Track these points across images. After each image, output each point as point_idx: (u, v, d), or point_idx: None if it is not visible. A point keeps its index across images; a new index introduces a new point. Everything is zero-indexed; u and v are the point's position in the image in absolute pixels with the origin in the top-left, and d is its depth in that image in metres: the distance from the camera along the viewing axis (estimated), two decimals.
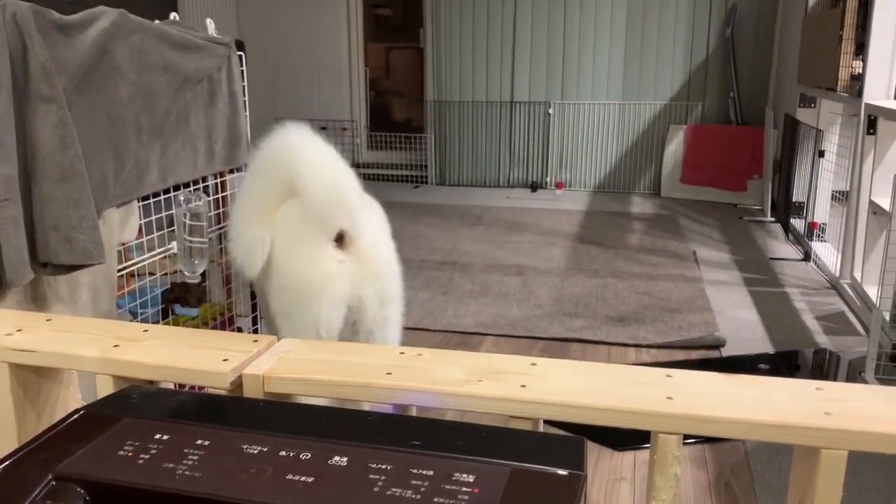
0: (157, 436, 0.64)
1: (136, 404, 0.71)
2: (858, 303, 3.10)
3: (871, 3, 3.18)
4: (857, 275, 3.21)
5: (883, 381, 2.39)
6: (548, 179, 5.95)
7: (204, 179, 2.15)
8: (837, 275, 3.43)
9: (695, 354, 2.74)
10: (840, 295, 3.33)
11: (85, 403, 0.73)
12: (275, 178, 1.59)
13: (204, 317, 2.25)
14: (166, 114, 1.81)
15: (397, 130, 6.36)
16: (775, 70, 5.31)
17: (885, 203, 2.97)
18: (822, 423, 0.70)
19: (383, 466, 0.59)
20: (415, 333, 2.94)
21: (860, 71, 3.30)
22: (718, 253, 4.06)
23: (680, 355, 2.73)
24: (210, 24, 2.09)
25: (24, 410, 0.87)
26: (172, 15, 2.03)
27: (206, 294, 2.29)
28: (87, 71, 1.52)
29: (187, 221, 1.91)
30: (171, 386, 0.87)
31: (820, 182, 3.96)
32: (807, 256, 3.92)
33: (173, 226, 1.95)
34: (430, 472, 0.58)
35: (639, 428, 0.74)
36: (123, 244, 1.80)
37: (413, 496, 0.55)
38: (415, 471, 0.58)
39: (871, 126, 3.15)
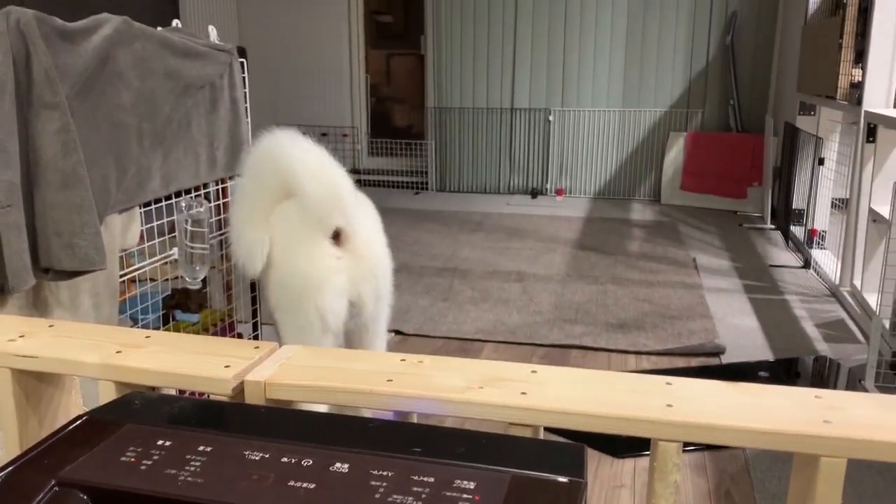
0: (160, 442, 0.64)
1: (139, 410, 0.71)
2: (858, 310, 3.10)
3: (870, 11, 3.20)
4: (857, 282, 3.22)
5: (883, 389, 2.39)
6: (548, 186, 5.96)
7: (205, 185, 2.15)
8: (837, 282, 3.43)
9: (695, 361, 2.74)
10: (840, 302, 3.33)
11: (87, 409, 0.73)
12: (270, 181, 1.64)
13: (204, 323, 2.25)
14: (168, 120, 1.81)
15: (398, 137, 6.37)
16: (775, 78, 5.33)
17: (884, 211, 2.97)
18: (822, 431, 0.70)
19: (384, 473, 0.59)
20: (415, 340, 2.94)
21: (860, 79, 3.31)
22: (718, 260, 4.06)
23: (680, 362, 2.73)
24: (212, 31, 2.10)
25: (27, 416, 0.88)
26: (175, 22, 2.04)
27: (206, 300, 2.29)
28: (90, 77, 1.53)
29: (188, 227, 1.92)
30: (173, 392, 0.87)
31: (820, 189, 3.96)
32: (807, 264, 3.92)
33: (174, 232, 1.95)
34: (431, 479, 0.58)
35: (638, 435, 0.74)
36: (124, 250, 1.80)
37: (414, 503, 0.55)
38: (416, 478, 0.59)
39: (871, 134, 3.16)
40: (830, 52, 3.65)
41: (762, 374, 2.62)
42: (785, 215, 4.41)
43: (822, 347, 2.83)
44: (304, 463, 0.61)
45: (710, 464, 2.03)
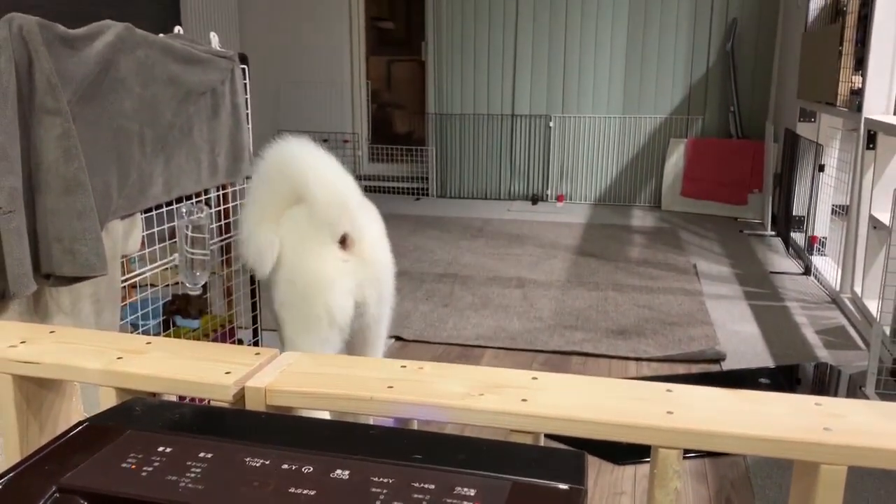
0: (160, 448, 0.64)
1: (139, 416, 0.71)
2: (859, 317, 3.10)
3: (870, 18, 3.20)
4: (858, 289, 3.22)
5: (883, 396, 2.39)
6: (548, 192, 5.97)
7: (206, 191, 2.16)
8: (838, 289, 3.43)
9: (695, 368, 2.74)
10: (840, 309, 3.33)
11: (87, 415, 0.73)
12: (281, 186, 1.72)
13: (205, 328, 2.25)
14: (170, 126, 1.82)
15: (399, 143, 6.38)
16: (775, 84, 5.34)
17: (884, 217, 2.98)
18: (822, 438, 0.70)
19: (385, 480, 0.59)
20: (415, 346, 2.94)
21: (860, 86, 3.31)
22: (719, 266, 4.06)
23: (680, 369, 2.73)
24: (214, 38, 2.11)
25: (27, 422, 0.88)
26: (177, 28, 2.05)
27: (207, 306, 2.29)
28: (92, 84, 1.53)
29: (189, 233, 1.92)
30: (174, 398, 0.88)
31: (820, 196, 3.97)
32: (807, 270, 3.92)
33: (175, 237, 1.95)
34: (432, 486, 0.58)
35: (639, 442, 0.74)
36: (125, 256, 1.81)
37: None
38: (416, 484, 0.59)
39: (871, 141, 3.17)
40: (830, 59, 3.66)
41: (763, 380, 2.62)
42: (785, 222, 4.41)
43: (823, 354, 2.83)
44: (305, 469, 0.61)
45: (711, 471, 2.02)
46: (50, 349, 0.89)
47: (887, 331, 2.45)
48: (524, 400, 0.78)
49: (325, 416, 1.08)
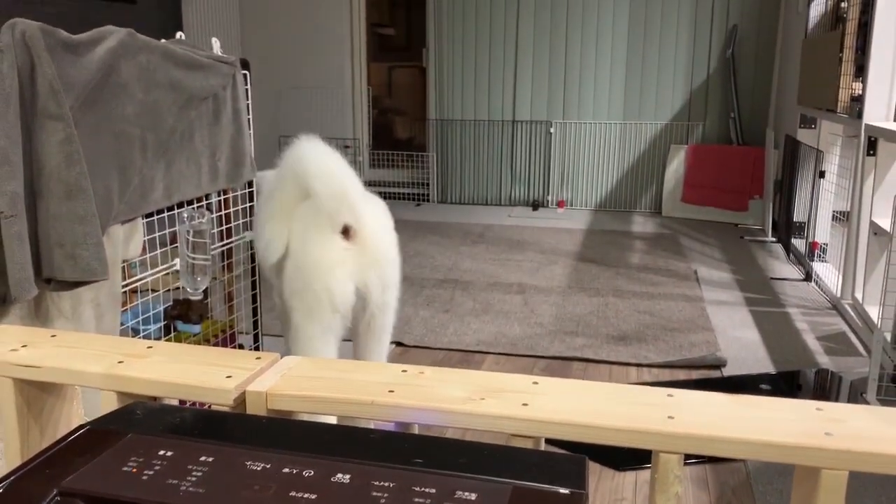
0: (161, 452, 0.64)
1: (140, 420, 0.71)
2: (860, 323, 3.10)
3: (870, 25, 3.21)
4: (859, 295, 3.21)
5: (885, 402, 2.39)
6: (549, 198, 5.97)
7: (207, 196, 2.16)
8: (838, 295, 3.43)
9: (696, 374, 2.73)
10: (841, 315, 3.33)
11: (88, 419, 0.74)
12: (292, 182, 1.87)
13: (206, 333, 2.25)
14: (171, 131, 1.82)
15: (399, 148, 6.39)
16: (776, 91, 5.35)
17: (885, 224, 2.98)
18: (823, 443, 0.70)
19: (386, 484, 0.59)
20: (416, 351, 2.94)
21: (860, 92, 3.32)
22: (719, 272, 4.06)
23: (681, 375, 2.73)
24: (215, 44, 2.11)
25: (28, 426, 0.88)
26: (178, 34, 2.06)
27: (207, 311, 2.30)
28: (94, 89, 1.54)
29: (190, 238, 1.92)
30: (175, 402, 0.88)
31: (820, 202, 3.97)
32: (808, 276, 3.92)
33: (176, 242, 1.96)
34: (433, 490, 0.58)
35: (640, 447, 0.74)
36: (126, 261, 1.81)
37: None
38: (417, 488, 0.59)
39: (872, 147, 3.17)
40: (831, 66, 3.67)
41: (764, 386, 2.62)
42: (786, 228, 4.41)
43: (824, 360, 2.83)
44: (306, 473, 0.61)
45: (712, 477, 2.02)
46: (51, 353, 0.89)
47: (888, 337, 2.44)
48: (525, 404, 0.78)
49: (332, 420, 1.08)
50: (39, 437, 0.89)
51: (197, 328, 2.23)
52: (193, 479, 0.60)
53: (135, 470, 0.61)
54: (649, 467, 0.77)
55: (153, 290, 2.00)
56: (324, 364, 0.89)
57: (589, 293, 3.67)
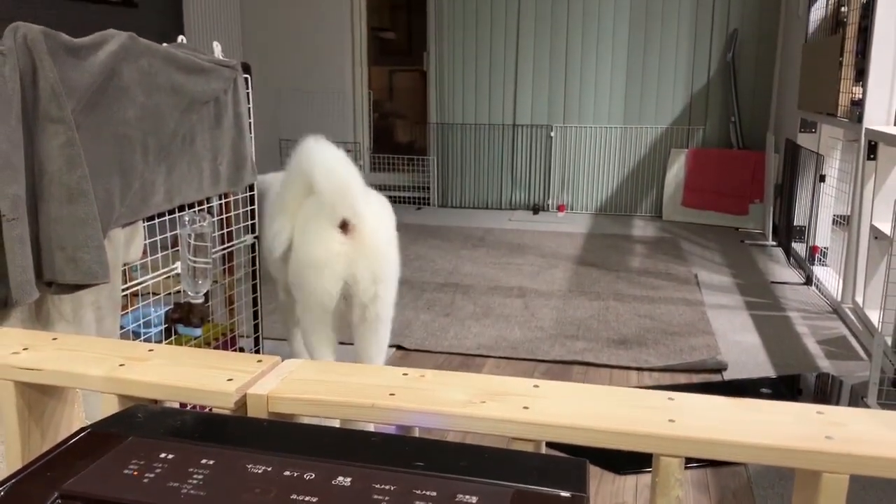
0: (162, 455, 0.64)
1: (141, 423, 0.71)
2: (860, 327, 3.10)
3: (870, 29, 3.22)
4: (859, 299, 3.21)
5: (885, 406, 2.39)
6: (549, 202, 5.97)
7: (208, 200, 2.16)
8: (839, 299, 3.43)
9: (696, 378, 2.73)
10: (842, 319, 3.33)
11: (89, 422, 0.74)
12: (299, 178, 1.95)
13: (207, 337, 2.25)
14: (173, 135, 1.83)
15: (400, 152, 6.40)
16: (776, 95, 5.35)
17: (886, 228, 2.98)
18: (824, 446, 0.70)
19: (387, 487, 0.59)
20: (416, 355, 2.93)
21: (860, 96, 3.32)
22: (720, 276, 4.06)
23: (682, 378, 2.72)
24: (217, 47, 2.12)
25: (29, 429, 0.88)
26: (180, 38, 2.06)
27: (209, 314, 2.30)
28: (96, 92, 1.54)
29: (191, 242, 1.92)
30: (176, 405, 0.88)
31: (821, 206, 3.97)
32: (808, 280, 3.92)
33: (177, 246, 1.96)
34: (434, 493, 0.58)
35: (640, 450, 0.74)
36: (127, 264, 1.81)
37: None
38: (418, 492, 0.59)
39: (872, 151, 3.17)
40: (831, 70, 3.67)
41: (764, 390, 2.61)
42: (786, 232, 4.42)
43: (824, 364, 2.83)
44: (307, 476, 0.61)
45: (713, 481, 2.02)
46: (52, 356, 0.89)
47: (889, 341, 2.44)
48: (526, 408, 0.78)
49: (336, 424, 1.08)
50: (40, 440, 0.89)
51: (198, 331, 2.23)
52: (194, 482, 0.60)
53: (136, 473, 0.61)
54: (650, 471, 0.77)
55: (154, 294, 2.00)
56: (325, 367, 0.90)
57: (589, 297, 3.67)
